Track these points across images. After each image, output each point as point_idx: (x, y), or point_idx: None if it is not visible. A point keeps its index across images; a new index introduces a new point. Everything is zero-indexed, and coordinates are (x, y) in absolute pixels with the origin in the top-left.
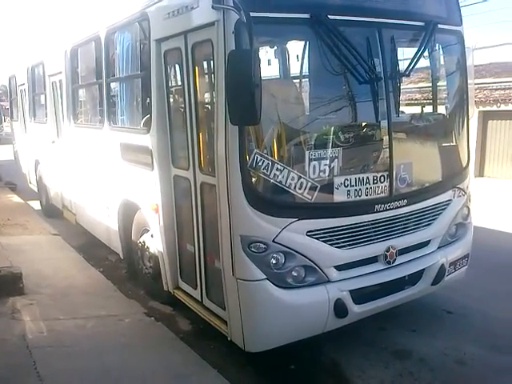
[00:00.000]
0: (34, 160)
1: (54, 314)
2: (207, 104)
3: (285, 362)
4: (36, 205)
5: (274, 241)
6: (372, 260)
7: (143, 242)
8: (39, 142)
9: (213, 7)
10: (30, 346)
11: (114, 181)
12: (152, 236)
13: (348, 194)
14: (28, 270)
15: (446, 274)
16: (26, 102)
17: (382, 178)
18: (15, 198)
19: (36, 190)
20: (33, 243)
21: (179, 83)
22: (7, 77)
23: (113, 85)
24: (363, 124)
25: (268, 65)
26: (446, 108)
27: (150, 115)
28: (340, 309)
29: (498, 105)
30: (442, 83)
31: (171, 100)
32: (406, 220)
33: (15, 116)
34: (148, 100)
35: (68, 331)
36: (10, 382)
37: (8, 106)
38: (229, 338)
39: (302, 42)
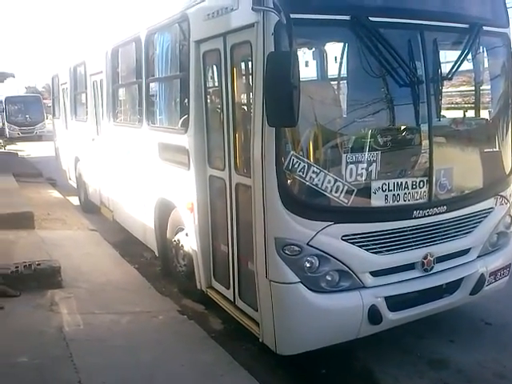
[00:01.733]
0: (73, 157)
1: (91, 308)
2: (244, 105)
3: (316, 367)
4: (75, 201)
5: (308, 244)
6: (409, 267)
7: (178, 240)
8: (79, 139)
9: (253, 9)
10: (66, 338)
11: (151, 179)
12: (187, 235)
13: (386, 199)
14: (66, 264)
15: (486, 283)
16: (68, 101)
17: (422, 183)
18: (55, 194)
19: (75, 186)
20: (71, 238)
21: (217, 84)
22: (50, 76)
23: (152, 85)
24: (402, 127)
25: (306, 66)
26: (490, 113)
27: (188, 116)
28: (374, 315)
29: None
30: (485, 87)
31: (209, 101)
32: (445, 227)
33: (57, 114)
34: (186, 101)
35: (103, 325)
36: (47, 371)
37: (50, 104)
38: (260, 340)
39: (342, 44)
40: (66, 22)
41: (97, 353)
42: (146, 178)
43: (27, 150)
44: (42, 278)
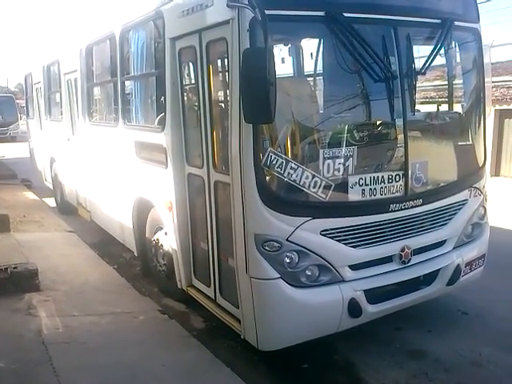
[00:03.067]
0: (49, 157)
1: (70, 310)
2: (221, 102)
3: (298, 361)
4: (51, 202)
5: (287, 240)
6: (387, 260)
7: (157, 239)
8: (54, 139)
9: (227, 5)
10: (45, 341)
11: (129, 178)
12: (166, 234)
13: (363, 193)
14: (43, 266)
15: (462, 274)
16: (42, 100)
17: (397, 177)
18: (31, 195)
19: (51, 187)
20: (48, 240)
21: (193, 81)
22: (23, 75)
23: (127, 83)
24: (378, 122)
25: (282, 63)
26: (463, 106)
27: (165, 113)
28: (354, 308)
29: None
30: (458, 81)
31: (185, 98)
32: (422, 220)
33: (31, 114)
34: (162, 98)
35: (83, 328)
36: (26, 376)
37: (24, 104)
38: (242, 337)
39: (317, 40)
40: (38, 19)
41: (77, 355)
42: (124, 177)
43: (1, 151)
44: (19, 282)
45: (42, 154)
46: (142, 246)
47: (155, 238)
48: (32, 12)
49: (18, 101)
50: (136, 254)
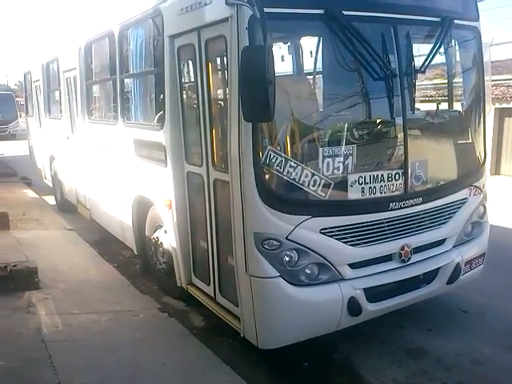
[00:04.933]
0: (48, 155)
1: (69, 308)
2: (220, 100)
3: (298, 360)
4: (51, 200)
5: (287, 238)
6: (386, 258)
7: (157, 237)
8: (54, 137)
9: (226, 3)
10: (45, 339)
11: (128, 177)
12: (165, 232)
13: (362, 192)
14: (43, 264)
15: (462, 272)
16: (41, 98)
17: (397, 175)
18: (30, 193)
19: (51, 185)
20: (48, 238)
21: (192, 79)
22: (22, 73)
23: (126, 81)
24: (378, 121)
25: (281, 61)
26: (462, 105)
27: (164, 111)
28: (354, 307)
29: None
30: (457, 80)
31: (184, 96)
32: (421, 218)
33: (30, 112)
34: (161, 96)
35: (83, 326)
36: (26, 374)
37: (23, 102)
38: (242, 335)
39: (316, 38)
40: (38, 17)
41: (76, 353)
42: (123, 175)
43: (0, 149)
44: (19, 280)
45: (42, 152)
46: (142, 244)
47: (155, 236)
48: (31, 10)
49: (17, 98)
50: (136, 252)
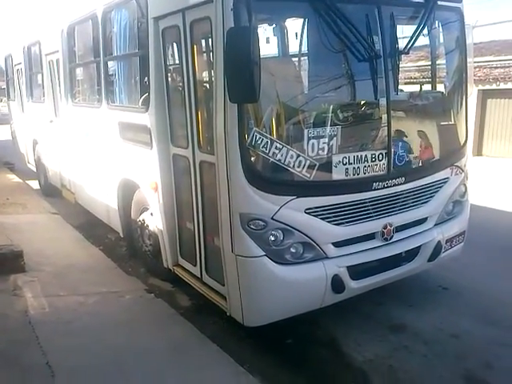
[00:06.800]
0: (31, 140)
1: (56, 290)
2: (206, 82)
3: (283, 336)
4: (35, 184)
5: (272, 218)
6: (369, 237)
7: (143, 220)
8: (37, 121)
9: None
10: (32, 321)
11: (113, 160)
12: (151, 214)
13: (346, 172)
14: (28, 248)
15: (443, 250)
16: (23, 82)
17: (380, 155)
18: (14, 178)
19: (34, 169)
20: (32, 222)
21: (177, 61)
22: (3, 56)
23: (110, 63)
24: (362, 102)
25: (267, 43)
26: (445, 86)
27: (149, 94)
28: (337, 284)
29: (498, 83)
30: (441, 61)
31: (170, 78)
32: (404, 197)
33: (12, 96)
34: (146, 79)
35: (70, 307)
36: (14, 356)
37: (4, 86)
38: (228, 313)
39: (301, 20)
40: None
41: (64, 335)
42: (108, 158)
43: None
44: (4, 263)
45: (25, 137)
46: (128, 226)
47: (141, 218)
48: None
49: None
50: (122, 235)
